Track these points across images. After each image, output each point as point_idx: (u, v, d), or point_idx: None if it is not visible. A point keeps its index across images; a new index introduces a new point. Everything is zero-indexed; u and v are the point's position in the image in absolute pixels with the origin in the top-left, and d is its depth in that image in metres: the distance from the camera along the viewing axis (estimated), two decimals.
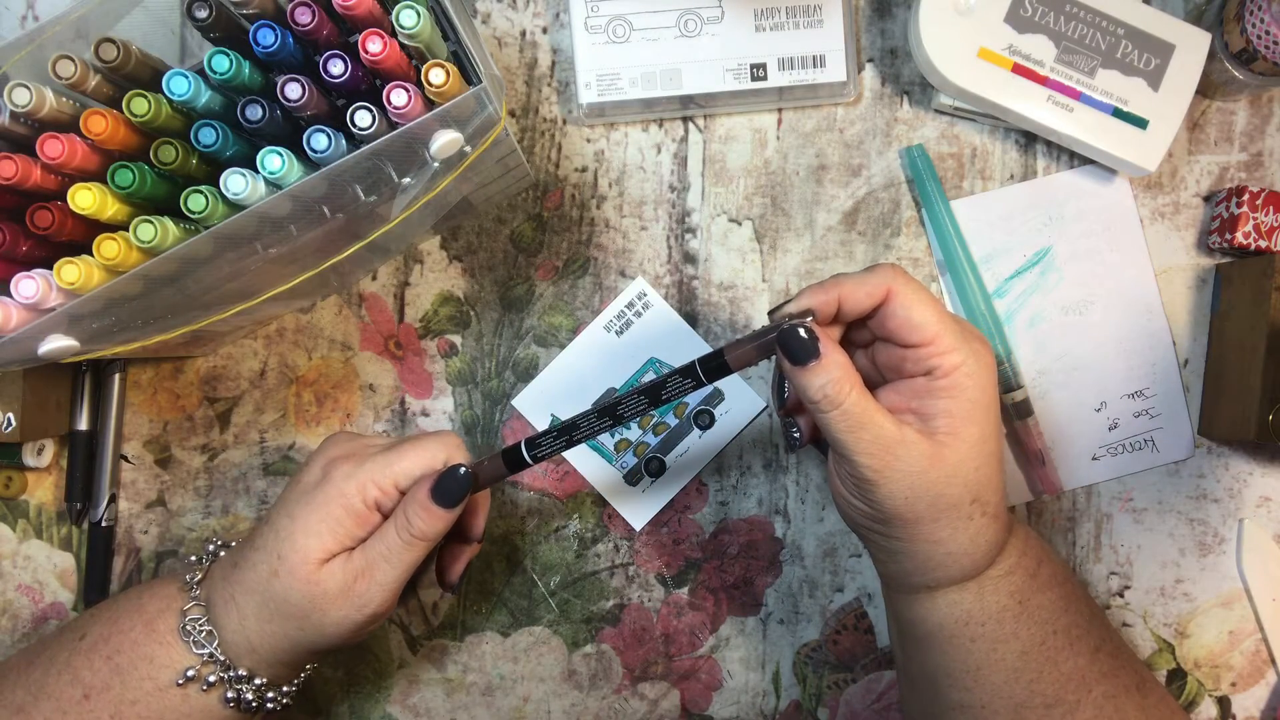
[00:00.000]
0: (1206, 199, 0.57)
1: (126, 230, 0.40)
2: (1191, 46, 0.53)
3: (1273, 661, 0.57)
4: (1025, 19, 0.53)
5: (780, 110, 0.57)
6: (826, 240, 0.57)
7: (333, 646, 0.45)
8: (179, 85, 0.39)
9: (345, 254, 0.45)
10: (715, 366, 0.42)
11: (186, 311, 0.44)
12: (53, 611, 0.57)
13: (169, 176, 0.42)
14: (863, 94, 0.57)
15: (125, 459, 0.57)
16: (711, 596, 0.57)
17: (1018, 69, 0.53)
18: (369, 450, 0.46)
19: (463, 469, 0.44)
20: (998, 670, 0.44)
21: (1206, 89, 0.56)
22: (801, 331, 0.40)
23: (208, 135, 0.40)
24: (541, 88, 0.57)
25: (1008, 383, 0.55)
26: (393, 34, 0.40)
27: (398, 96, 0.40)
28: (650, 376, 0.56)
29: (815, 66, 0.54)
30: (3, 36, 0.56)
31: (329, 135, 0.41)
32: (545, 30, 0.57)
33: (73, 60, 0.39)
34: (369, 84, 0.42)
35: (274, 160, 0.40)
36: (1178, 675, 0.57)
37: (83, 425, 0.55)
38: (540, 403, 0.56)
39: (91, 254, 0.40)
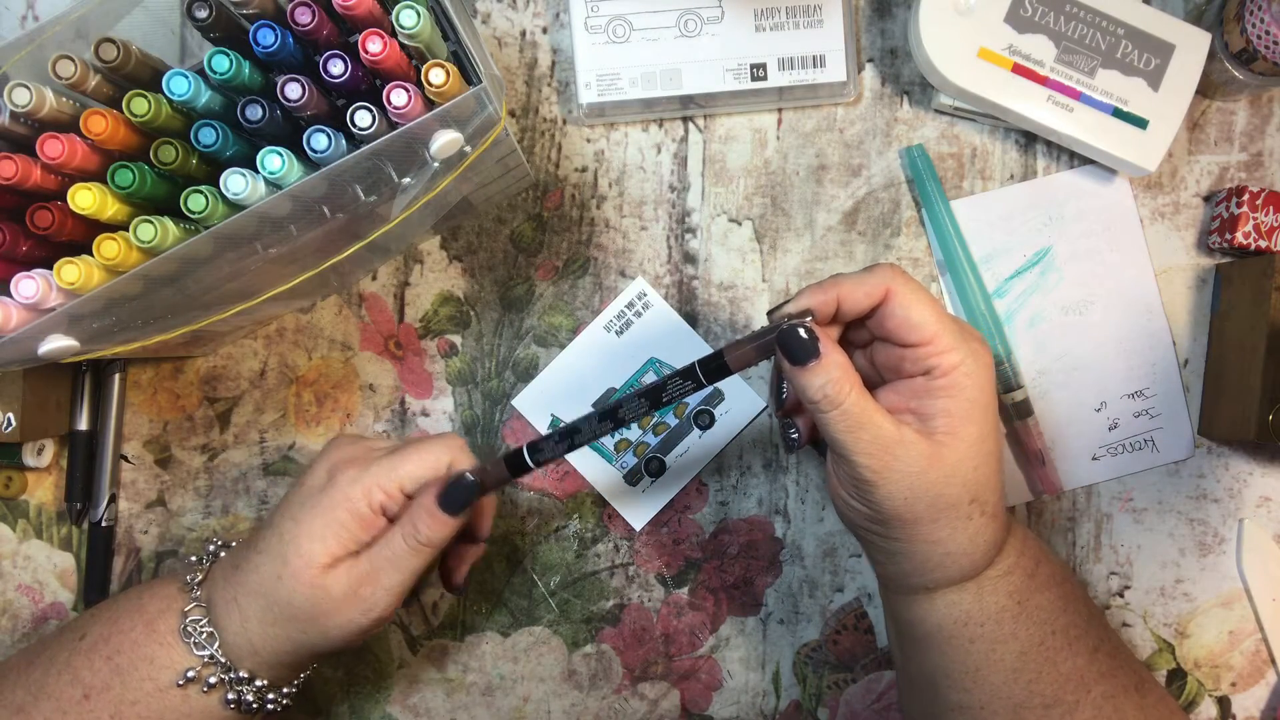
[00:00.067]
0: (1206, 199, 0.57)
1: (126, 230, 0.40)
2: (1191, 46, 0.53)
3: (1273, 661, 0.57)
4: (1025, 19, 0.53)
5: (780, 110, 0.57)
6: (826, 240, 0.57)
7: (336, 649, 0.45)
8: (179, 85, 0.39)
9: (345, 254, 0.45)
10: (715, 368, 0.42)
11: (186, 311, 0.44)
12: (53, 611, 0.57)
13: (169, 176, 0.42)
14: (863, 94, 0.57)
15: (125, 459, 0.57)
16: (711, 596, 0.57)
17: (1018, 69, 0.53)
18: (373, 454, 0.46)
19: (469, 477, 0.44)
20: (996, 670, 0.44)
21: (1206, 89, 0.56)
22: (801, 331, 0.40)
23: (208, 135, 0.40)
24: (541, 88, 0.57)
25: (1008, 383, 0.55)
26: (393, 34, 0.40)
27: (398, 96, 0.40)
28: (650, 376, 0.56)
29: (815, 66, 0.54)
30: (3, 36, 0.56)
31: (329, 135, 0.41)
32: (545, 30, 0.57)
33: (73, 60, 0.39)
34: (369, 84, 0.42)
35: (274, 160, 0.40)
36: (1178, 675, 0.57)
37: (83, 425, 0.55)
38: (540, 403, 0.56)
39: (91, 254, 0.40)
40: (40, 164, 0.40)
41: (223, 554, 0.47)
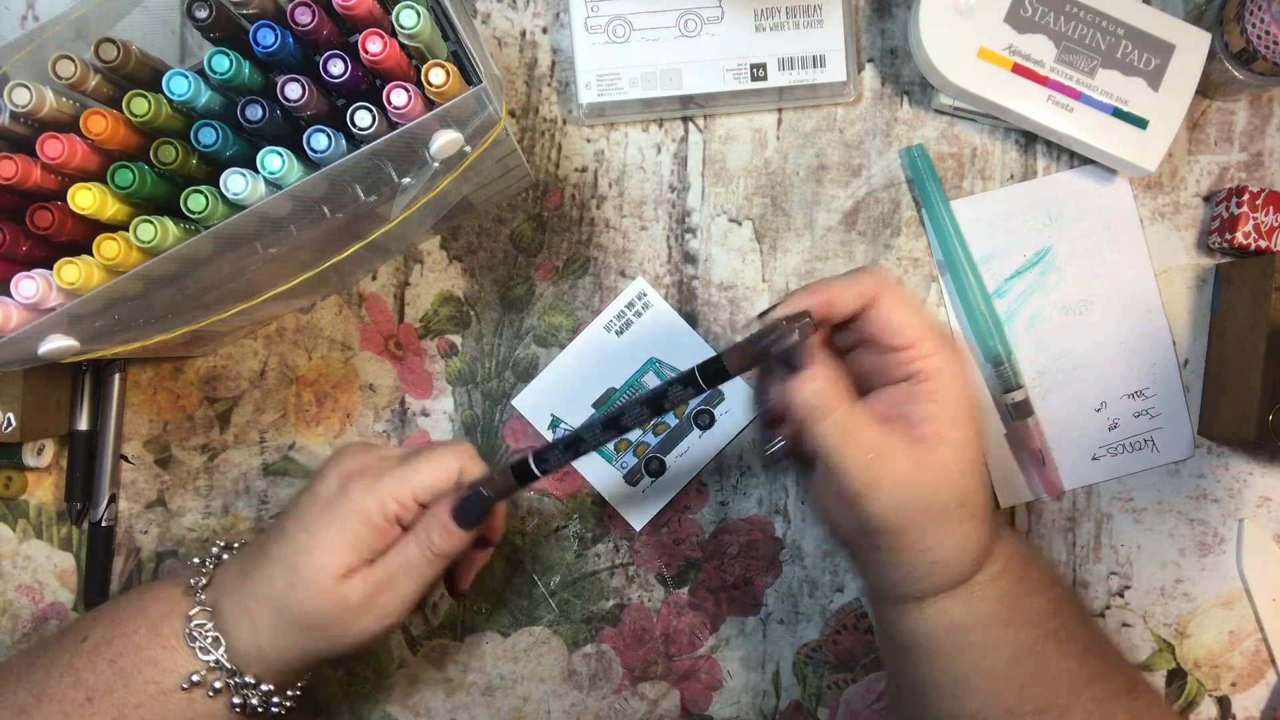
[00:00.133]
0: (1206, 199, 0.57)
1: (126, 230, 0.40)
2: (1191, 46, 0.53)
3: (1273, 661, 0.57)
4: (1025, 19, 0.53)
5: (780, 110, 0.57)
6: (826, 240, 0.57)
7: (346, 655, 0.45)
8: (179, 85, 0.39)
9: (345, 254, 0.45)
10: (715, 372, 0.42)
11: (186, 311, 0.44)
12: (53, 611, 0.57)
13: (169, 176, 0.42)
14: (863, 94, 0.57)
15: (125, 459, 0.57)
16: (711, 596, 0.57)
17: (1018, 69, 0.53)
18: (384, 463, 0.46)
19: (484, 492, 0.44)
20: (987, 677, 0.44)
21: (1206, 89, 0.56)
22: (795, 335, 0.40)
23: (208, 135, 0.40)
24: (541, 88, 0.57)
25: (1008, 383, 0.55)
26: (393, 34, 0.40)
27: (398, 96, 0.40)
28: (650, 376, 0.56)
29: (815, 66, 0.54)
30: (3, 36, 0.56)
31: (329, 135, 0.41)
32: (545, 30, 0.57)
33: (73, 60, 0.39)
34: (369, 84, 0.42)
35: (274, 160, 0.40)
36: (1178, 675, 0.57)
37: (83, 425, 0.55)
38: (540, 403, 0.56)
39: (91, 254, 0.40)
40: (40, 164, 0.40)
41: (225, 556, 0.47)
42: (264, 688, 0.44)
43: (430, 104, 0.41)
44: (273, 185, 0.41)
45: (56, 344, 0.41)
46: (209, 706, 0.44)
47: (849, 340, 0.44)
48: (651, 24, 0.54)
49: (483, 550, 0.50)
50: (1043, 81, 0.53)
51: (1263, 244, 0.54)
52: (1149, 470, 0.57)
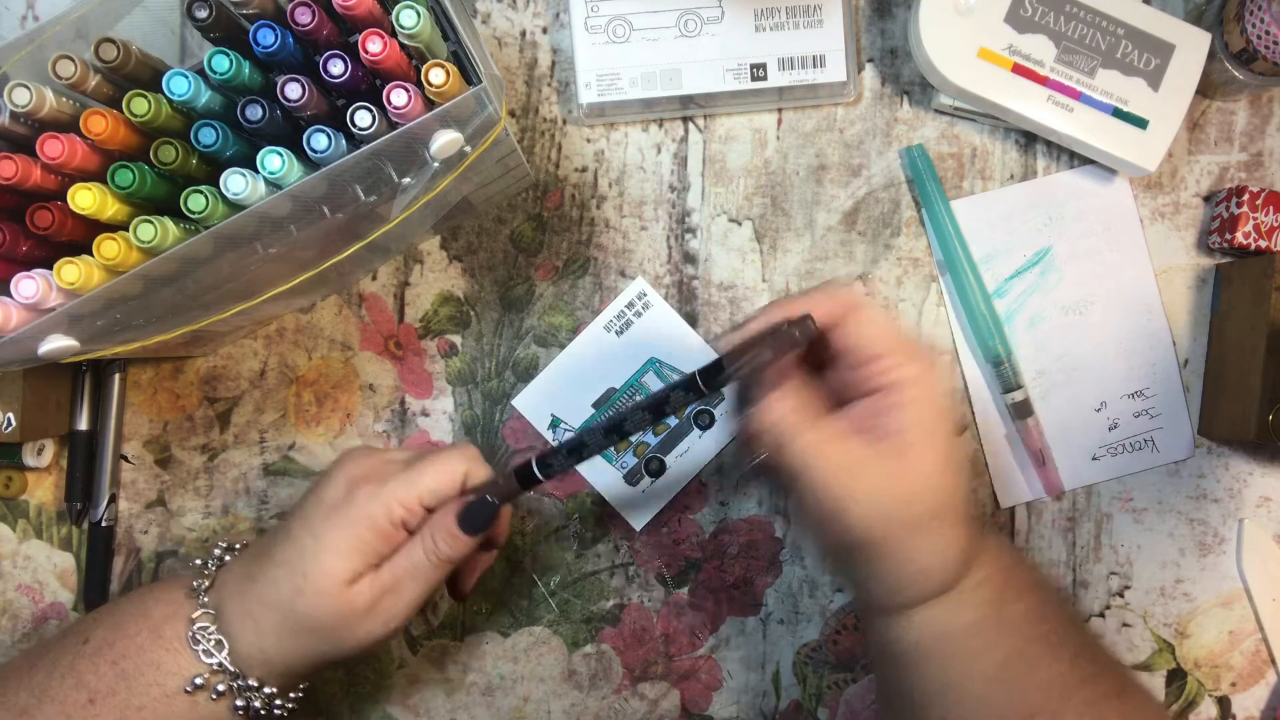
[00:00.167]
0: (1206, 199, 0.57)
1: (126, 230, 0.40)
2: (1191, 46, 0.53)
3: (1273, 661, 0.57)
4: (1025, 19, 0.53)
5: (780, 110, 0.57)
6: (826, 240, 0.57)
7: (351, 659, 0.45)
8: (179, 85, 0.39)
9: (345, 254, 0.45)
10: (715, 376, 0.42)
11: (186, 311, 0.44)
12: (53, 611, 0.57)
13: (169, 176, 0.42)
14: (863, 94, 0.57)
15: (125, 459, 0.57)
16: (711, 596, 0.57)
17: (1018, 69, 0.53)
18: (389, 468, 0.46)
19: (489, 499, 0.44)
20: (976, 683, 0.44)
21: (1206, 89, 0.56)
22: (797, 336, 0.40)
23: (208, 135, 0.40)
24: (541, 88, 0.57)
25: (1008, 383, 0.55)
26: (393, 34, 0.40)
27: (398, 96, 0.40)
28: (650, 376, 0.56)
29: (815, 66, 0.54)
30: (3, 36, 0.56)
31: (329, 135, 0.41)
32: (545, 30, 0.57)
33: (73, 60, 0.39)
34: (369, 84, 0.42)
35: (274, 160, 0.40)
36: (1178, 675, 0.57)
37: (83, 425, 0.55)
38: (540, 403, 0.56)
39: (91, 254, 0.40)
40: (40, 164, 0.40)
41: (228, 558, 0.47)
42: (267, 690, 0.44)
43: (430, 104, 0.41)
44: (273, 185, 0.41)
45: (56, 344, 0.41)
46: (212, 709, 0.44)
47: (821, 355, 0.44)
48: (651, 24, 0.54)
49: (487, 552, 0.50)
50: (1043, 81, 0.53)
51: (1263, 244, 0.54)
52: (1149, 470, 0.57)
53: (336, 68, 0.40)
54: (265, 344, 0.57)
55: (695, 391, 0.42)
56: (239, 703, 0.44)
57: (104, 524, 0.56)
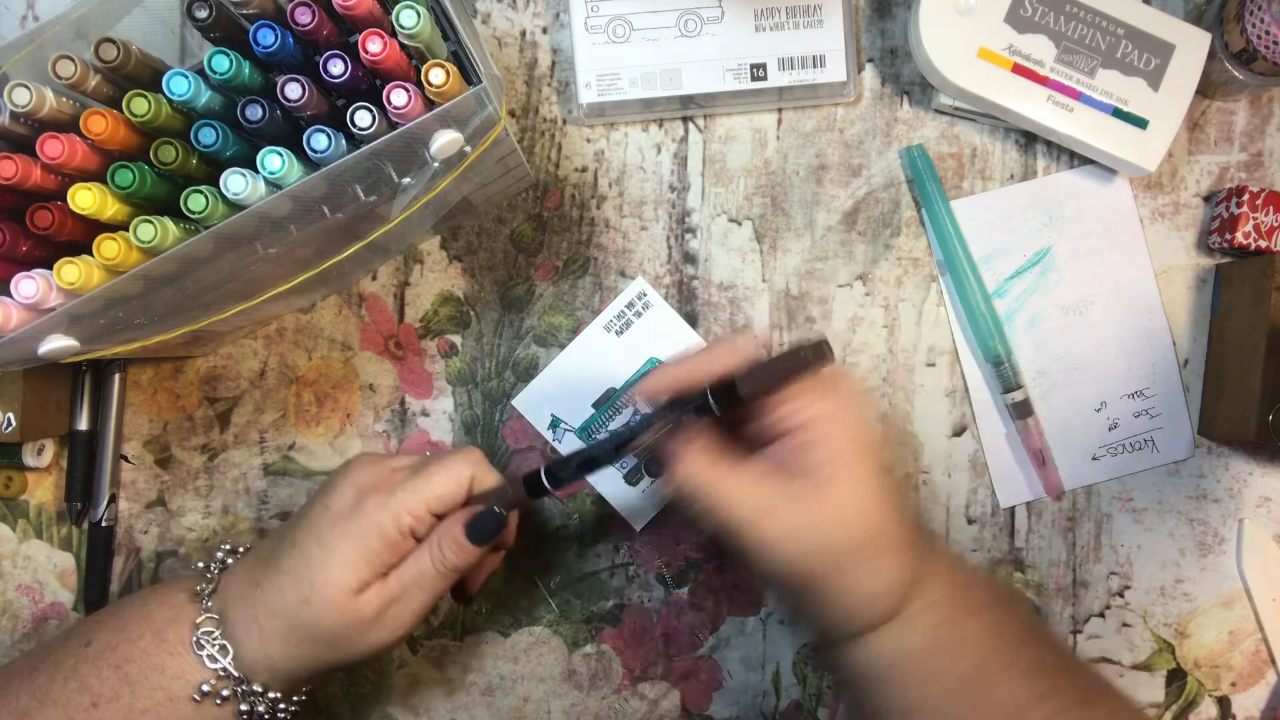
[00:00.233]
0: (1206, 199, 0.57)
1: (126, 230, 0.40)
2: (1191, 46, 0.53)
3: (1273, 661, 0.57)
4: (1025, 19, 0.53)
5: (780, 110, 0.57)
6: (826, 240, 0.57)
7: (356, 664, 0.45)
8: (179, 85, 0.39)
9: (345, 254, 0.45)
10: (728, 397, 0.42)
11: (186, 311, 0.44)
12: (53, 611, 0.57)
13: (169, 176, 0.42)
14: (863, 94, 0.57)
15: (125, 459, 0.57)
16: (711, 596, 0.57)
17: (1018, 69, 0.53)
18: (397, 476, 0.46)
19: (497, 510, 0.44)
20: (932, 706, 0.43)
21: (1206, 89, 0.56)
22: (810, 362, 0.40)
23: (208, 135, 0.40)
24: (541, 88, 0.57)
25: (1008, 383, 0.55)
26: (393, 34, 0.40)
27: (398, 96, 0.40)
28: None
29: (815, 66, 0.54)
30: (3, 36, 0.56)
31: (329, 135, 0.41)
32: (545, 30, 0.57)
33: (73, 60, 0.39)
34: (369, 84, 0.42)
35: (274, 160, 0.40)
36: (1178, 675, 0.57)
37: (83, 425, 0.55)
38: (540, 403, 0.56)
39: (91, 254, 0.40)
40: (40, 164, 0.40)
41: (230, 561, 0.47)
42: (271, 695, 0.44)
43: (430, 104, 0.41)
44: (273, 185, 0.41)
45: (56, 344, 0.41)
46: (215, 713, 0.44)
47: (736, 411, 0.45)
48: (651, 24, 0.54)
49: (494, 555, 0.50)
50: (1043, 81, 0.53)
51: (1263, 244, 0.54)
52: (1149, 470, 0.57)
53: (336, 68, 0.40)
54: (265, 344, 0.57)
55: (707, 411, 0.42)
56: (243, 707, 0.44)
57: (104, 524, 0.56)
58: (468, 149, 0.42)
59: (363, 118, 0.40)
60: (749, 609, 0.57)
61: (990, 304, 0.55)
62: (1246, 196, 0.54)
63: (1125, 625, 0.57)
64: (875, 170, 0.57)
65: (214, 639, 0.44)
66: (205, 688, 0.43)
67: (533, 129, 0.57)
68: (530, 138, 0.57)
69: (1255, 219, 0.54)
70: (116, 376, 0.56)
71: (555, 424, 0.56)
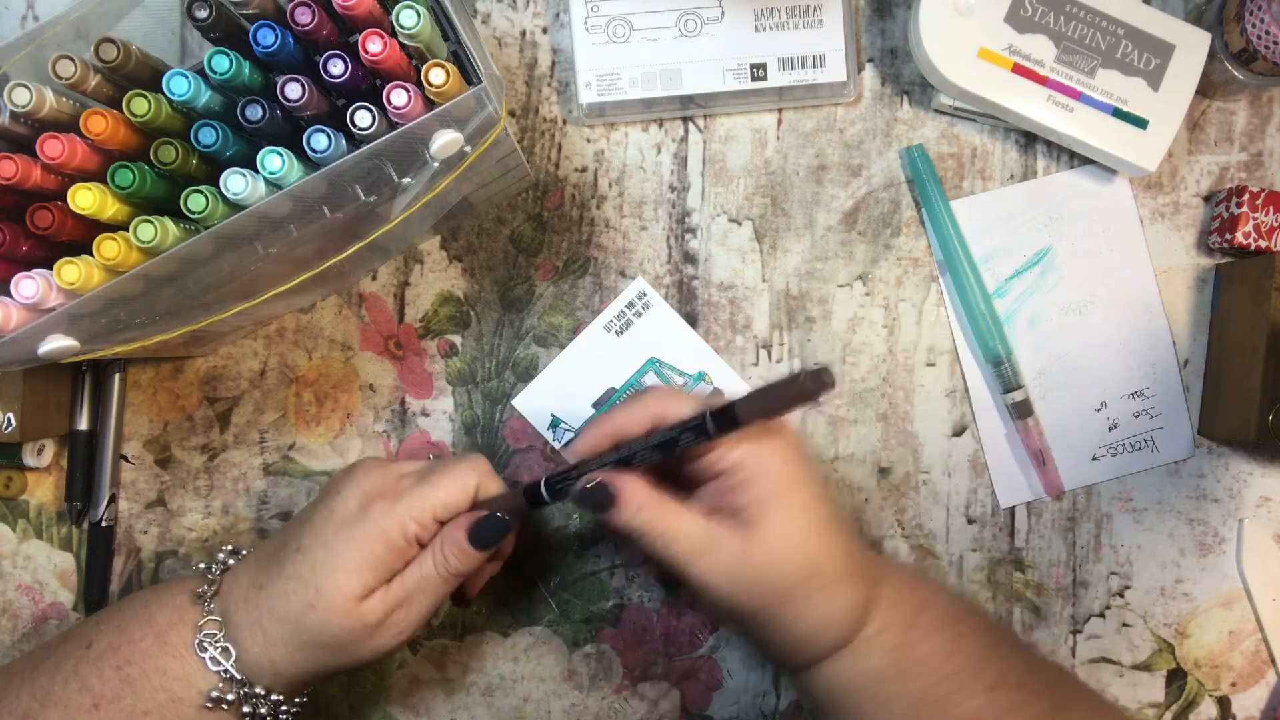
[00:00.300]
0: (1206, 199, 0.57)
1: (126, 230, 0.40)
2: (1191, 46, 0.53)
3: (1273, 661, 0.57)
4: (1025, 19, 0.53)
5: (780, 110, 0.57)
6: (826, 240, 0.57)
7: (359, 669, 0.45)
8: (179, 85, 0.39)
9: (345, 254, 0.45)
10: (728, 421, 0.42)
11: (186, 311, 0.44)
12: (53, 611, 0.57)
13: (169, 176, 0.42)
14: (863, 94, 0.57)
15: (125, 459, 0.57)
16: None
17: (1018, 69, 0.53)
18: (403, 483, 0.46)
19: (500, 516, 0.45)
20: None
21: (1206, 89, 0.56)
22: (811, 386, 0.40)
23: (208, 135, 0.40)
24: (541, 88, 0.57)
25: (1008, 383, 0.55)
26: (393, 34, 0.40)
27: (398, 96, 0.40)
28: (650, 377, 0.56)
29: (815, 66, 0.54)
30: (3, 36, 0.56)
31: (329, 135, 0.41)
32: (545, 30, 0.57)
33: (73, 60, 0.39)
34: (369, 84, 0.42)
35: (274, 160, 0.40)
36: (1178, 675, 0.57)
37: (83, 425, 0.55)
38: (540, 403, 0.56)
39: (91, 254, 0.40)
40: (40, 164, 0.40)
41: (232, 562, 0.47)
42: (273, 698, 0.44)
43: (430, 104, 0.41)
44: (273, 185, 0.41)
45: (56, 344, 0.41)
46: (218, 715, 0.44)
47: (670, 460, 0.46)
48: (651, 24, 0.54)
49: (493, 562, 0.50)
50: (1043, 81, 0.53)
51: (1263, 244, 0.54)
52: (1149, 470, 0.57)
53: (336, 68, 0.40)
54: (265, 344, 0.57)
55: (705, 434, 0.42)
56: (245, 709, 0.44)
57: (104, 524, 0.56)
58: (468, 149, 0.42)
59: (363, 118, 0.40)
60: None
61: (990, 304, 0.55)
62: (1246, 196, 0.54)
63: (1125, 625, 0.57)
64: (875, 170, 0.57)
65: (216, 641, 0.44)
66: (214, 694, 0.43)
67: (533, 129, 0.57)
68: (530, 138, 0.57)
69: (1255, 219, 0.54)
70: (116, 376, 0.56)
71: (555, 424, 0.56)
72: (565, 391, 0.56)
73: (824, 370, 0.40)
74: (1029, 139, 0.57)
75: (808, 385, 0.40)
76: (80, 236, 0.41)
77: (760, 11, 0.54)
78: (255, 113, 0.40)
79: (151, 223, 0.40)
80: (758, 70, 0.54)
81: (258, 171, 0.40)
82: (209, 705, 0.43)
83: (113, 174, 0.40)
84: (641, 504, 0.43)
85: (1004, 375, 0.55)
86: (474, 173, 0.47)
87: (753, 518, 0.42)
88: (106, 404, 0.55)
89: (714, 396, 0.56)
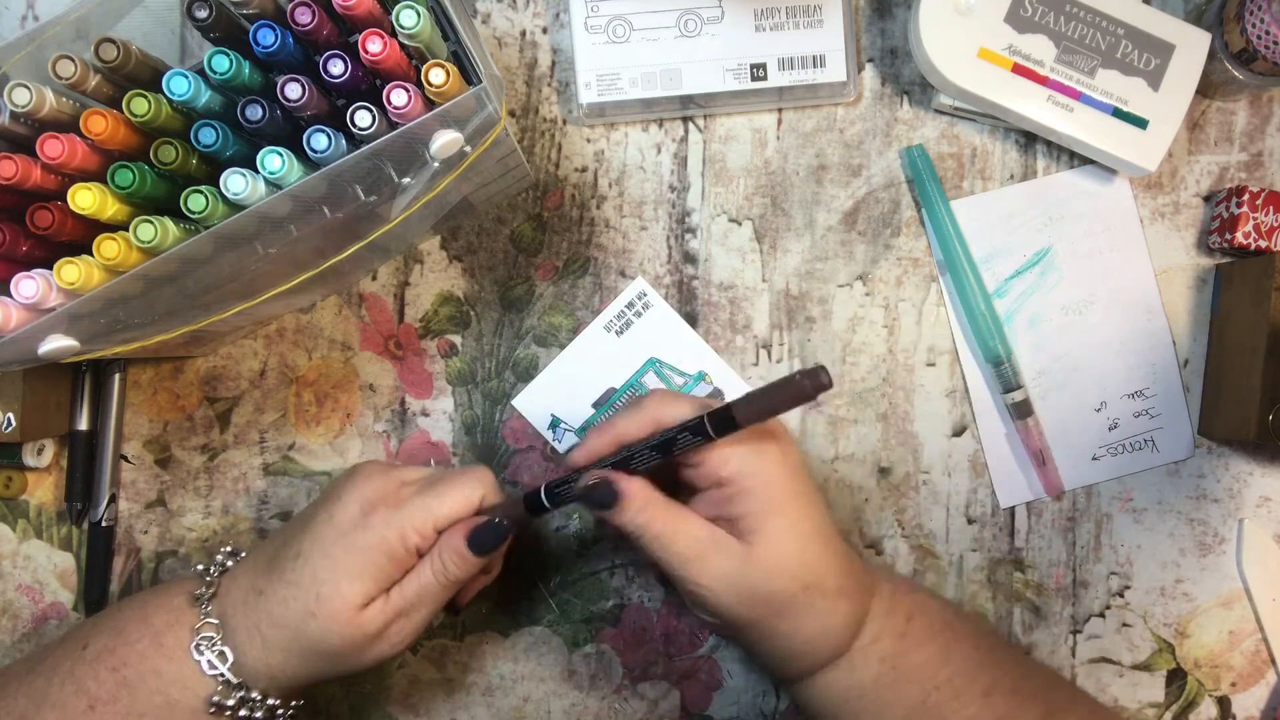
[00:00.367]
0: (1206, 199, 0.57)
1: (126, 230, 0.40)
2: (1191, 46, 0.53)
3: (1273, 661, 0.57)
4: (1025, 19, 0.53)
5: (780, 110, 0.57)
6: (826, 240, 0.57)
7: (356, 675, 0.45)
8: (179, 85, 0.39)
9: (345, 254, 0.45)
10: (725, 423, 0.42)
11: (186, 311, 0.44)
12: (53, 611, 0.57)
13: (169, 176, 0.42)
14: (863, 94, 0.57)
15: (125, 459, 0.57)
16: None
17: (1018, 69, 0.53)
18: (405, 491, 0.45)
19: (501, 521, 0.45)
20: None
21: (1206, 89, 0.56)
22: (803, 390, 0.40)
23: (208, 135, 0.40)
24: (541, 88, 0.57)
25: (1008, 383, 0.55)
26: (393, 34, 0.40)
27: (398, 96, 0.40)
28: (650, 376, 0.56)
29: (815, 66, 0.54)
30: (3, 36, 0.56)
31: (329, 135, 0.41)
32: (545, 30, 0.57)
33: (73, 60, 0.39)
34: (369, 84, 0.42)
35: (274, 160, 0.40)
36: (1178, 675, 0.57)
37: (83, 425, 0.55)
38: (540, 403, 0.56)
39: (91, 254, 0.40)
40: (40, 164, 0.40)
41: (230, 564, 0.47)
42: (270, 702, 0.44)
43: (430, 104, 0.41)
44: (273, 185, 0.41)
45: (56, 344, 0.41)
46: (215, 717, 0.44)
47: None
48: (651, 24, 0.54)
49: (486, 574, 0.50)
50: (1043, 81, 0.53)
51: (1263, 244, 0.54)
52: (1149, 470, 0.57)
53: (336, 68, 0.40)
54: (265, 344, 0.57)
55: (704, 436, 0.42)
56: (241, 713, 0.44)
57: (104, 524, 0.56)
58: (468, 149, 0.42)
59: (363, 118, 0.40)
60: None
61: (990, 304, 0.55)
62: (1246, 196, 0.54)
63: (1125, 625, 0.57)
64: (875, 170, 0.57)
65: (213, 644, 0.43)
66: (215, 699, 0.43)
67: (533, 129, 0.57)
68: (530, 138, 0.57)
69: (1255, 219, 0.54)
70: (116, 376, 0.56)
71: (555, 424, 0.56)
72: (565, 391, 0.56)
73: (820, 370, 0.40)
74: (1029, 139, 0.57)
75: (804, 386, 0.40)
76: (80, 236, 0.41)
77: (760, 11, 0.54)
78: (255, 113, 0.40)
79: (151, 223, 0.40)
80: (758, 70, 0.54)
81: (258, 171, 0.40)
82: (207, 709, 0.43)
83: (113, 174, 0.40)
84: (644, 504, 0.43)
85: (1004, 375, 0.55)
86: (474, 173, 0.47)
87: (751, 527, 0.42)
88: (106, 404, 0.55)
89: (713, 397, 0.56)
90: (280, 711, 0.45)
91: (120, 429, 0.56)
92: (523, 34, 0.57)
